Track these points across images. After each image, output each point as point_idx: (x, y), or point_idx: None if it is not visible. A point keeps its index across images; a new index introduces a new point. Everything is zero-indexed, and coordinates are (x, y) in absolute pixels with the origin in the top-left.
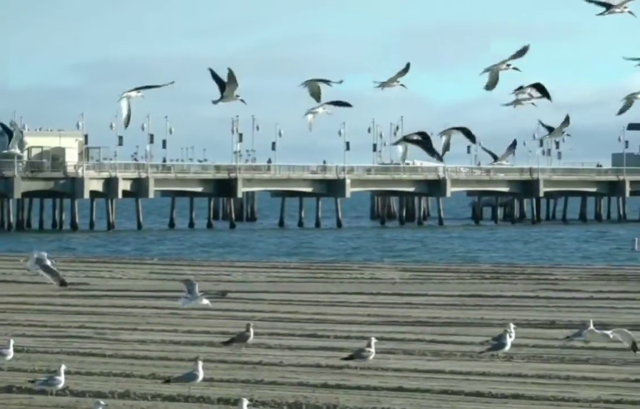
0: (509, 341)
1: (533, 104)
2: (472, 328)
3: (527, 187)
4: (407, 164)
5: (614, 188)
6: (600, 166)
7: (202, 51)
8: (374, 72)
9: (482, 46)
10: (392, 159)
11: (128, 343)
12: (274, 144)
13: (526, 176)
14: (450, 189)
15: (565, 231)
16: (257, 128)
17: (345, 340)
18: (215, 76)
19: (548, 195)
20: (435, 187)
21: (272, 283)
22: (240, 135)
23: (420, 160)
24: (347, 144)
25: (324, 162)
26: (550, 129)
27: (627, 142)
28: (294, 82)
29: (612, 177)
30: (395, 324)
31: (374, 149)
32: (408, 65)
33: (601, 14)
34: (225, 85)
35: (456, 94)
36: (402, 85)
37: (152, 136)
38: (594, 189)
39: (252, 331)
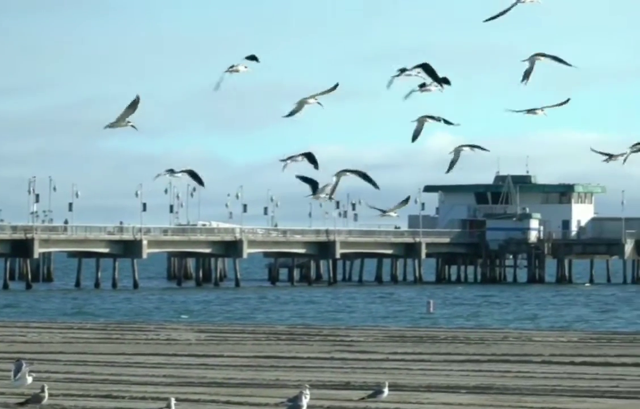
0: (305, 402)
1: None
2: (268, 389)
3: (323, 249)
4: (204, 224)
5: (410, 250)
6: (398, 227)
7: None
8: (172, 133)
9: (275, 107)
10: (188, 220)
11: None
12: (71, 204)
13: (322, 238)
14: (246, 250)
15: (361, 292)
16: (54, 189)
17: (141, 401)
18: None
19: (344, 256)
20: (231, 248)
21: (67, 344)
22: (37, 195)
23: (216, 221)
24: (144, 205)
25: (121, 223)
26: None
27: (423, 204)
28: (91, 143)
29: (409, 239)
30: (190, 385)
31: (171, 210)
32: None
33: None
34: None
35: (252, 155)
36: (319, 103)
37: None
38: (390, 251)
39: (47, 392)
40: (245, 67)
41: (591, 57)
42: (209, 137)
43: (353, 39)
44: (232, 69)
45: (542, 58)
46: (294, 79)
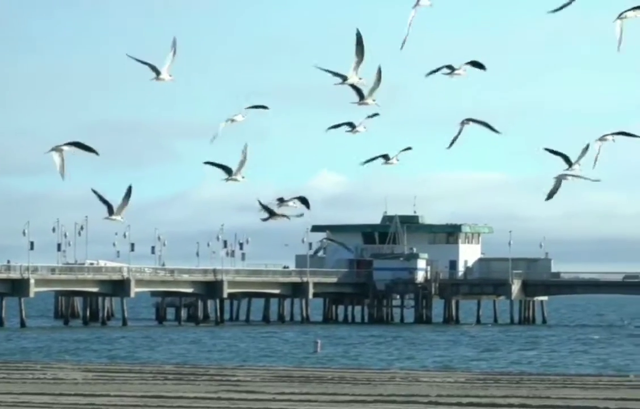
0: None
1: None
2: None
3: (210, 288)
4: (92, 263)
5: (297, 290)
6: (287, 267)
7: None
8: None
9: (162, 145)
10: (76, 259)
11: None
12: None
13: (210, 277)
14: (134, 289)
15: (248, 332)
16: None
17: None
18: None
19: (232, 296)
20: (119, 287)
21: None
22: None
23: (104, 260)
24: (32, 243)
25: (8, 261)
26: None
27: (310, 244)
28: None
29: (296, 279)
30: None
31: (59, 249)
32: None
33: (468, 120)
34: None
35: (138, 194)
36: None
37: None
38: (277, 291)
39: None
40: (243, 116)
41: (477, 96)
42: (94, 175)
43: (243, 76)
44: (230, 119)
45: (471, 123)
46: (183, 116)
